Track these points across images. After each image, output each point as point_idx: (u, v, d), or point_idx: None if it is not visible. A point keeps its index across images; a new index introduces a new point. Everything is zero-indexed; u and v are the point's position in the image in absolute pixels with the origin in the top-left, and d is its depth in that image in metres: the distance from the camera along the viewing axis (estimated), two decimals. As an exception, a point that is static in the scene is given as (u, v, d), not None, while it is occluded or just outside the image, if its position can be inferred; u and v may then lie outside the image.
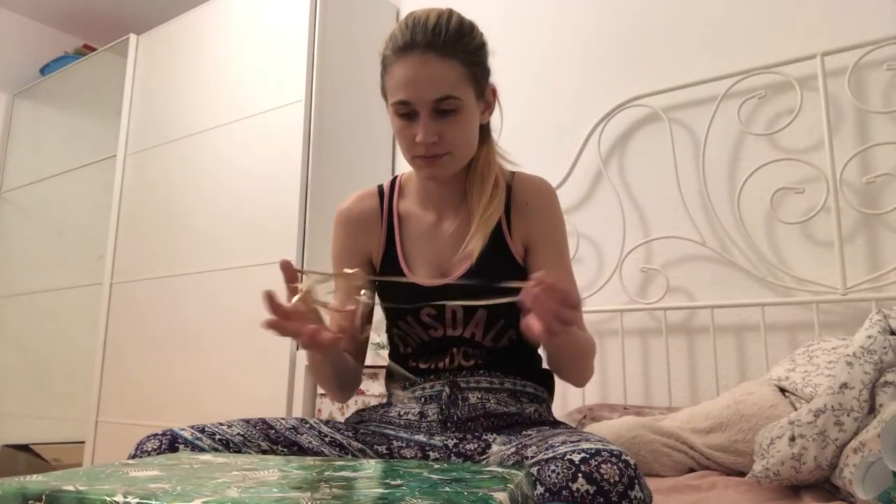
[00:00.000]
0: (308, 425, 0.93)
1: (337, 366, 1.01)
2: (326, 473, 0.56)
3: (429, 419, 0.96)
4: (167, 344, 2.34)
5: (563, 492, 0.67)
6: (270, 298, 0.79)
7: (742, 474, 1.20)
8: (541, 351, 1.10)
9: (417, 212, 1.07)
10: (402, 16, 1.13)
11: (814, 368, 1.29)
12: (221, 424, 0.88)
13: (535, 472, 0.70)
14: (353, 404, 1.86)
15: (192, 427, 0.85)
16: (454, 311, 0.99)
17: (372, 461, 0.65)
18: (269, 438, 0.88)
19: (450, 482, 0.52)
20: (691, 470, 1.28)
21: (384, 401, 1.08)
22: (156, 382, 2.35)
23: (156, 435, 0.83)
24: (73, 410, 2.74)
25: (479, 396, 0.97)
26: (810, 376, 1.27)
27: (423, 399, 0.99)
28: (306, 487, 0.49)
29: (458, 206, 1.05)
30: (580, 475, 0.67)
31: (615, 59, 2.02)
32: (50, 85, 3.22)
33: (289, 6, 2.27)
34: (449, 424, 0.96)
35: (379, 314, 1.09)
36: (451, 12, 0.95)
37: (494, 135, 1.07)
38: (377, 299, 1.07)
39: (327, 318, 0.87)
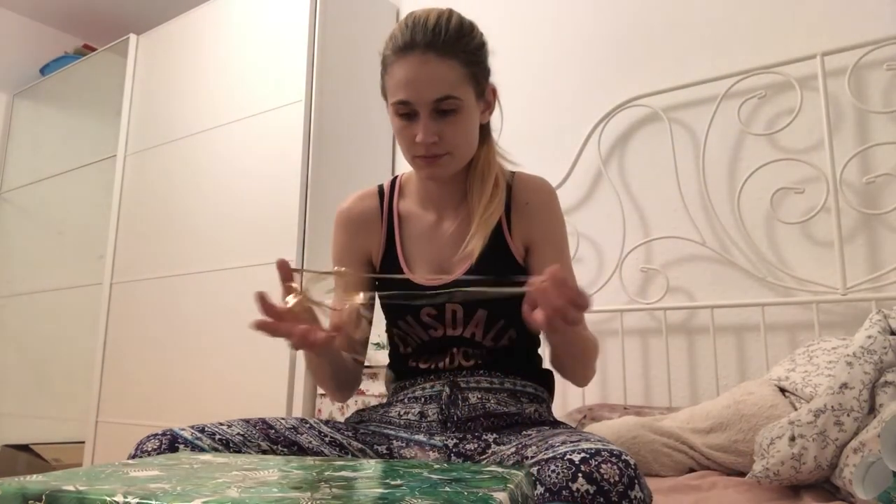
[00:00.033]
0: (308, 425, 0.93)
1: (334, 365, 1.01)
2: (326, 473, 0.56)
3: (429, 419, 0.96)
4: (167, 344, 2.34)
5: (563, 492, 0.67)
6: (262, 299, 0.79)
7: (742, 474, 1.20)
8: (541, 351, 1.10)
9: (417, 212, 1.07)
10: (402, 16, 1.13)
11: (814, 368, 1.29)
12: (221, 424, 0.88)
13: (535, 472, 0.70)
14: (353, 404, 1.86)
15: (192, 427, 0.85)
16: (454, 310, 0.99)
17: (372, 461, 0.65)
18: (269, 438, 0.88)
19: (450, 482, 0.52)
20: (691, 470, 1.28)
21: (384, 401, 1.08)
22: (156, 382, 2.35)
23: (156, 435, 0.83)
24: (73, 410, 2.74)
25: (479, 396, 0.97)
26: (810, 376, 1.27)
27: (423, 399, 0.99)
28: (306, 487, 0.49)
29: (459, 206, 1.05)
30: (580, 475, 0.67)
31: (615, 59, 2.02)
32: (50, 85, 3.22)
33: (289, 6, 2.27)
34: (449, 424, 0.96)
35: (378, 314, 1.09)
36: (451, 12, 0.95)
37: (494, 135, 1.07)
38: (377, 299, 1.07)
39: (323, 317, 0.86)
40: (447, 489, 0.49)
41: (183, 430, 0.84)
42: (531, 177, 1.07)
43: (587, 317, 1.14)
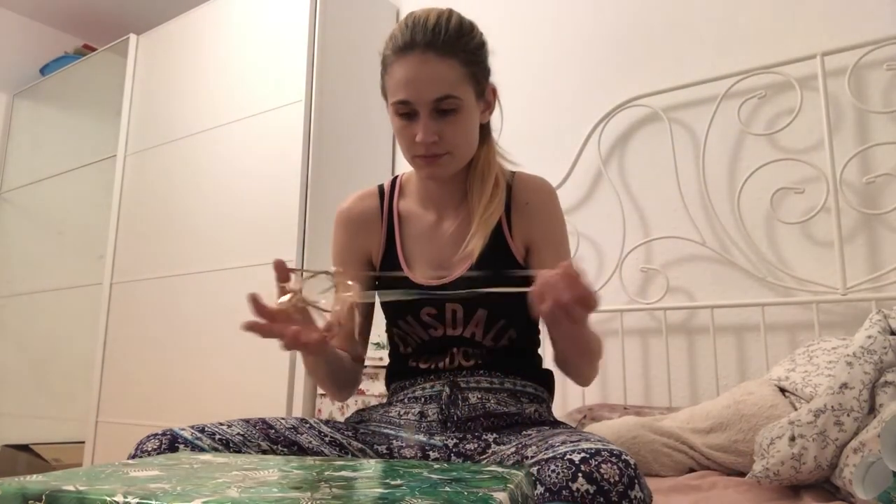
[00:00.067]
0: (308, 425, 0.93)
1: (331, 365, 1.01)
2: (326, 473, 0.56)
3: (429, 419, 0.96)
4: (167, 344, 2.34)
5: (563, 492, 0.67)
6: (255, 300, 0.79)
7: (742, 474, 1.20)
8: (541, 351, 1.10)
9: (418, 211, 1.07)
10: (402, 16, 1.13)
11: (814, 368, 1.29)
12: (221, 424, 0.88)
13: (535, 472, 0.70)
14: (353, 404, 1.86)
15: (192, 427, 0.85)
16: (454, 310, 0.99)
17: (372, 461, 0.65)
18: (269, 438, 0.88)
19: (450, 482, 0.52)
20: (691, 470, 1.28)
21: (384, 401, 1.08)
22: (156, 382, 2.35)
23: (156, 435, 0.83)
24: (73, 410, 2.74)
25: (479, 396, 0.97)
26: (810, 376, 1.27)
27: (423, 399, 0.99)
28: (306, 487, 0.49)
29: (459, 206, 1.05)
30: (580, 475, 0.67)
31: (615, 59, 2.02)
32: (50, 85, 3.22)
33: (289, 6, 2.27)
34: (449, 424, 0.96)
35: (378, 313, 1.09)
36: (450, 12, 0.95)
37: (494, 135, 1.07)
38: (377, 299, 1.07)
39: (319, 318, 0.86)
40: (447, 489, 0.49)
41: (183, 430, 0.84)
42: (531, 177, 1.07)
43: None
